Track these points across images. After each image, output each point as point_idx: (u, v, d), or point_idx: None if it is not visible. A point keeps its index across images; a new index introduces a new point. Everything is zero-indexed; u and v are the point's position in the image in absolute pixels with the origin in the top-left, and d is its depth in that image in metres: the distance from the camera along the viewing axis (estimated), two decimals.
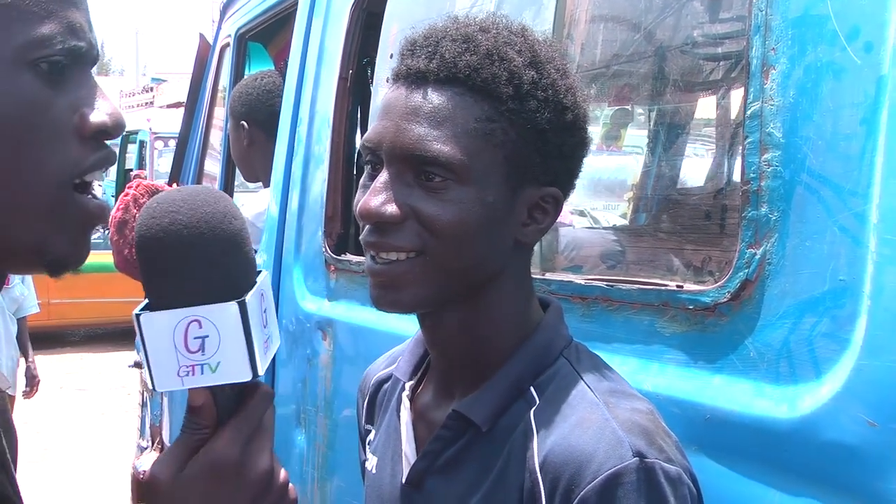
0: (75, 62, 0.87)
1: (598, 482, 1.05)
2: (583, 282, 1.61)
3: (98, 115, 0.88)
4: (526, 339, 1.22)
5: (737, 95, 1.62)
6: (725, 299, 1.34)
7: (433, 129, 1.14)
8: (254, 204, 3.31)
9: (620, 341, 1.52)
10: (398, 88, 1.19)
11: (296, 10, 3.10)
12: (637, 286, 1.51)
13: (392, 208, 1.14)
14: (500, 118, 1.15)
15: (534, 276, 1.73)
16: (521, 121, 1.16)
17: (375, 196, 1.15)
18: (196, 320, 0.90)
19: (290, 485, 0.98)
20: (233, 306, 0.90)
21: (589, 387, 1.16)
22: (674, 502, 1.06)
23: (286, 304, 2.79)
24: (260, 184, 3.56)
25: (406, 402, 1.33)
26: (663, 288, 1.46)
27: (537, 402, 1.17)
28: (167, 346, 0.90)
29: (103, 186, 18.80)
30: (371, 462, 1.38)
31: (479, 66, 1.15)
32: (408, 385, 1.34)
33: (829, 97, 1.24)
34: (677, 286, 1.44)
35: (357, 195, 1.21)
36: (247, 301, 0.90)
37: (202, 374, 0.91)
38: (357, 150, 2.75)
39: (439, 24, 1.22)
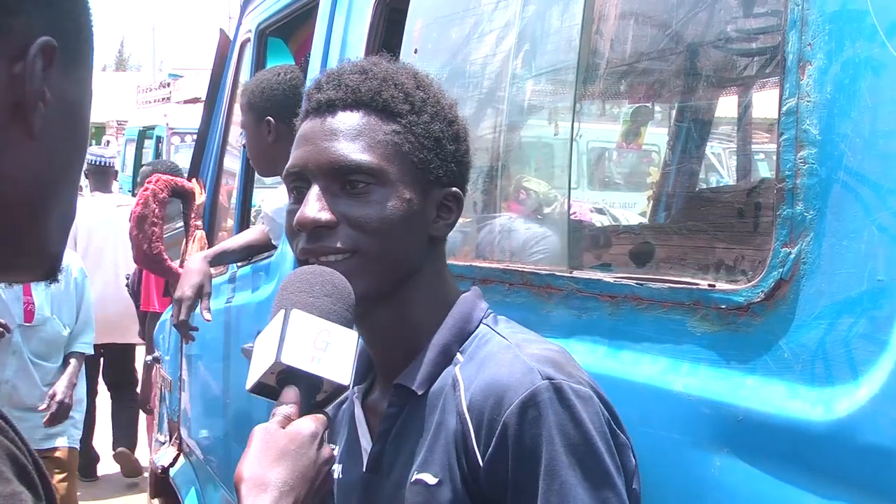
0: None
1: (514, 407, 1.23)
2: (612, 280, 1.59)
3: None
4: (447, 315, 1.41)
5: (772, 92, 1.60)
6: (759, 299, 1.32)
7: (350, 143, 1.35)
8: (273, 200, 3.30)
9: (650, 340, 1.50)
10: (312, 120, 1.40)
11: (318, 5, 3.09)
12: (667, 284, 1.48)
13: (327, 215, 1.34)
14: (403, 130, 1.37)
15: (560, 274, 1.72)
16: (419, 131, 1.38)
17: (310, 207, 1.34)
18: (328, 331, 1.23)
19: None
20: (354, 335, 1.26)
21: (504, 337, 1.36)
22: (586, 416, 1.23)
23: None
24: (277, 178, 3.53)
25: (357, 403, 1.50)
26: (694, 287, 1.44)
27: (462, 360, 1.37)
28: (304, 338, 1.22)
29: (120, 181, 18.84)
30: (337, 470, 1.51)
31: (379, 90, 1.38)
32: (357, 389, 1.51)
33: (867, 94, 1.21)
34: (709, 285, 1.42)
35: (286, 219, 1.40)
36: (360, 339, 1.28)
37: (317, 363, 1.21)
38: None
39: (336, 67, 1.47)
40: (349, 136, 1.36)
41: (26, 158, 0.86)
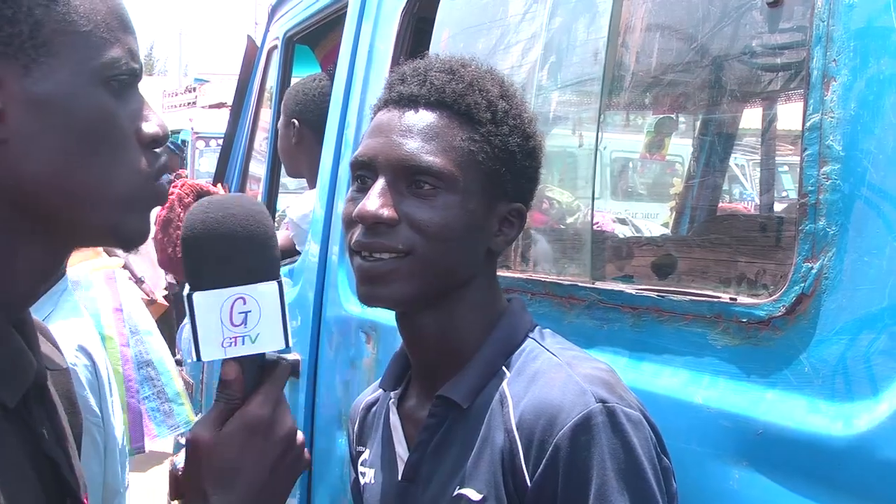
0: (133, 80, 1.02)
1: (567, 429, 1.20)
2: (634, 292, 1.60)
3: (151, 126, 1.03)
4: (494, 328, 1.38)
5: (795, 107, 1.61)
6: (780, 313, 1.32)
7: (425, 143, 1.31)
8: (299, 206, 3.33)
9: (671, 353, 1.50)
10: (389, 111, 1.37)
11: (345, 13, 3.11)
12: (689, 297, 1.49)
13: (389, 211, 1.30)
14: (480, 139, 1.33)
15: (583, 284, 1.73)
16: (496, 142, 1.34)
17: (372, 201, 1.30)
18: (241, 297, 1.08)
19: (305, 449, 1.14)
20: (273, 285, 1.09)
21: (553, 354, 1.32)
22: (636, 442, 1.21)
23: (331, 306, 2.80)
24: (304, 185, 3.59)
25: (393, 409, 1.46)
26: (716, 300, 1.44)
27: (508, 375, 1.33)
28: (214, 321, 1.08)
29: None
30: (368, 475, 1.50)
31: (464, 93, 1.34)
32: (393, 393, 1.47)
33: (891, 110, 1.22)
34: (731, 298, 1.42)
35: (345, 206, 1.36)
36: (282, 281, 1.09)
37: (243, 344, 1.08)
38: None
39: (423, 60, 1.42)
40: (425, 136, 1.32)
41: (5, 162, 0.92)
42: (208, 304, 1.08)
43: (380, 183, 1.32)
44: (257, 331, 1.09)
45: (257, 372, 1.11)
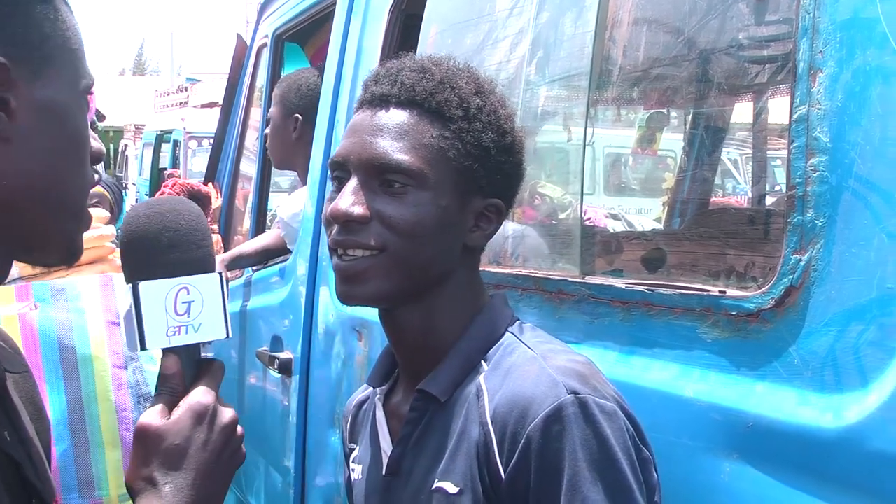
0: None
1: (539, 421, 1.21)
2: (624, 286, 1.59)
3: (96, 143, 1.10)
4: (473, 322, 1.39)
5: (782, 99, 1.61)
6: (769, 305, 1.32)
7: (395, 141, 1.33)
8: (289, 204, 3.32)
9: (661, 346, 1.50)
10: (363, 111, 1.39)
11: (334, 11, 3.11)
12: (679, 291, 1.49)
13: (360, 209, 1.32)
14: (451, 136, 1.35)
15: (573, 279, 1.73)
16: (469, 139, 1.35)
17: (344, 199, 1.33)
18: (185, 287, 1.12)
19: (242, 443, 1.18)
20: (216, 276, 1.14)
21: (529, 348, 1.33)
22: (610, 433, 1.21)
23: (322, 304, 2.80)
24: (293, 179, 3.57)
25: (379, 405, 1.48)
26: (705, 293, 1.44)
27: (486, 369, 1.34)
28: (159, 310, 1.11)
29: (137, 185, 18.94)
30: (357, 471, 1.53)
31: (434, 91, 1.35)
32: (379, 390, 1.50)
33: (877, 102, 1.22)
34: (720, 291, 1.42)
35: (325, 206, 1.38)
36: (222, 274, 1.15)
37: (186, 333, 1.13)
38: None
39: (398, 60, 1.43)
40: (395, 135, 1.34)
41: (4, 159, 0.96)
42: (154, 293, 1.11)
43: (352, 182, 1.34)
44: (200, 320, 1.13)
45: (194, 368, 1.15)
